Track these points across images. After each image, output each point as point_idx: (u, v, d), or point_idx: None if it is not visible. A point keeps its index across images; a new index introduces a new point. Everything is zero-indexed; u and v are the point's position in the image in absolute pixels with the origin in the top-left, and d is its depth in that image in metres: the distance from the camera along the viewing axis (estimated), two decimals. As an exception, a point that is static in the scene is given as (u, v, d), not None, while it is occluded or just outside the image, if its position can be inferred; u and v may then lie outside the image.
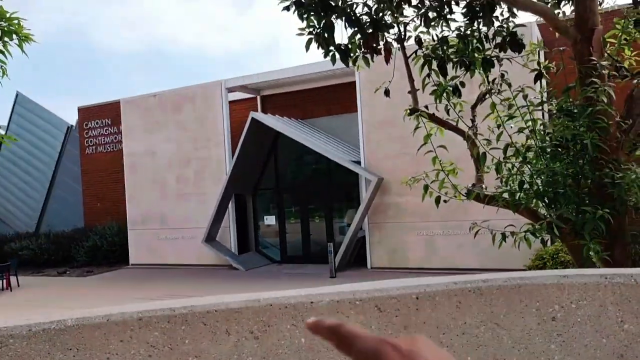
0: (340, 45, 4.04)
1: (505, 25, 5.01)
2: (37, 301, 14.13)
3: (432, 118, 4.60)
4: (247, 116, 17.46)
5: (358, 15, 3.77)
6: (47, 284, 17.36)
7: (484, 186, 4.05)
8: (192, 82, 24.44)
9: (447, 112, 4.95)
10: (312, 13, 3.72)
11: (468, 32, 4.99)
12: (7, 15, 4.56)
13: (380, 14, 3.94)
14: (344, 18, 3.71)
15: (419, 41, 5.19)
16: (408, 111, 4.84)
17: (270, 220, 17.79)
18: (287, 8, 3.73)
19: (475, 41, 4.99)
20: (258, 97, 18.97)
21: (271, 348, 2.29)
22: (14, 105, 25.26)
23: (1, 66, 4.84)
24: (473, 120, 4.84)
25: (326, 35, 4.08)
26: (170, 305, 2.26)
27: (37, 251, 20.58)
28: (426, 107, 4.85)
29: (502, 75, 4.72)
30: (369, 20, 3.87)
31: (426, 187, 4.05)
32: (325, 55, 4.18)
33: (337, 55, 4.35)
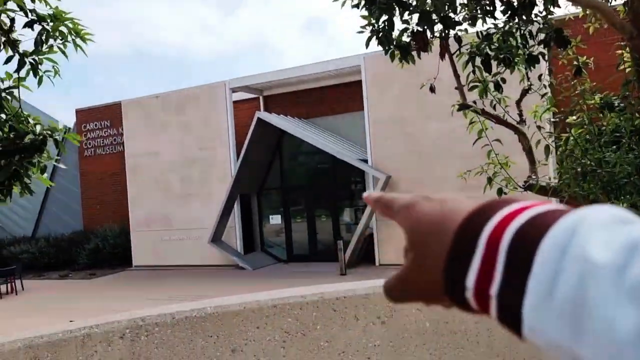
0: (402, 42, 4.13)
1: (548, 23, 5.12)
2: (47, 304, 14.03)
3: (484, 113, 4.70)
4: (250, 116, 17.49)
5: (429, 12, 3.86)
6: (51, 287, 17.22)
7: (551, 178, 4.16)
8: (179, 83, 24.34)
9: (494, 107, 5.05)
10: (378, 10, 3.81)
11: (513, 29, 5.09)
12: (63, 15, 4.58)
13: (448, 12, 4.04)
14: (416, 15, 3.80)
15: (457, 39, 5.29)
16: (457, 106, 4.94)
17: (275, 219, 17.83)
18: (357, 6, 3.82)
19: (519, 38, 5.09)
20: (260, 97, 18.99)
21: (397, 332, 2.36)
22: (9, 107, 24.97)
23: (53, 66, 4.85)
24: (521, 115, 4.94)
25: (386, 32, 4.16)
26: (301, 292, 2.32)
27: (37, 254, 20.40)
28: (474, 102, 4.95)
29: (550, 71, 4.83)
30: (436, 18, 3.97)
31: (490, 180, 4.15)
32: (386, 52, 4.27)
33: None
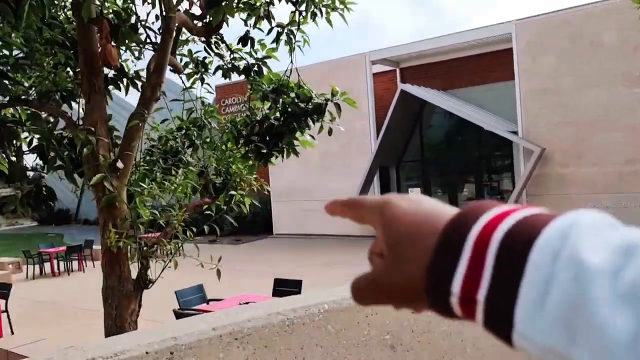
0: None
1: None
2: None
3: None
4: (385, 88, 17.52)
5: None
6: (201, 250, 18.63)
7: None
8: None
9: None
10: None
11: None
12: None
13: None
14: None
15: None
16: None
17: (415, 191, 17.88)
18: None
19: None
20: (397, 70, 18.95)
21: None
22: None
23: (303, 36, 5.20)
24: None
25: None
26: None
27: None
28: None
29: None
30: None
31: None
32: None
33: None
